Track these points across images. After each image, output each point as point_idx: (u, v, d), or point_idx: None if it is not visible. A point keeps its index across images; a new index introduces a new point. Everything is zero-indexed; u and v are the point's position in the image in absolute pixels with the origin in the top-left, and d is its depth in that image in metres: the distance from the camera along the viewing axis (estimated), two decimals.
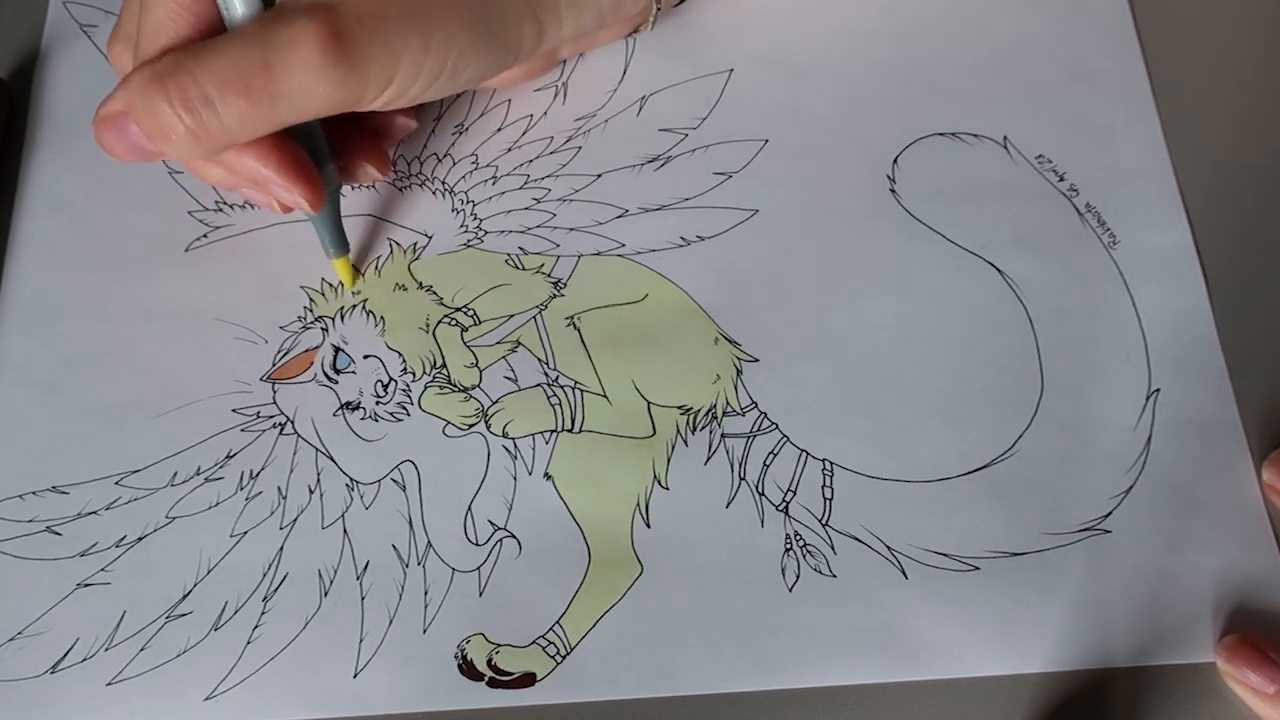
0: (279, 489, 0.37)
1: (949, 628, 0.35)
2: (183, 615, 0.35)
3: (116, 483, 0.37)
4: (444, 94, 0.36)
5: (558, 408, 0.38)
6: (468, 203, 0.41)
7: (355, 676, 0.35)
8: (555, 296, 0.40)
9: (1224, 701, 0.34)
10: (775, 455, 0.37)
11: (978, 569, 0.36)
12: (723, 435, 0.38)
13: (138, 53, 0.34)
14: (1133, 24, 0.44)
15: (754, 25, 0.44)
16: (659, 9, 0.39)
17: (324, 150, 0.36)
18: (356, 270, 0.40)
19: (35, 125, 0.43)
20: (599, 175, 0.42)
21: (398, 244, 0.41)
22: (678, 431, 0.38)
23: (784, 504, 0.36)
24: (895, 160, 0.42)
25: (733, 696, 0.34)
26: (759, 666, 0.34)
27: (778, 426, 0.38)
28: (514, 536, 0.36)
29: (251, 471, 0.37)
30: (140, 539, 0.36)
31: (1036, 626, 0.35)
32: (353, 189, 0.42)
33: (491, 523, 0.36)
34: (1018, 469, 0.37)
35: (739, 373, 0.38)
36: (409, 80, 0.34)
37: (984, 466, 0.37)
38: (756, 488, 0.37)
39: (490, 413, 0.38)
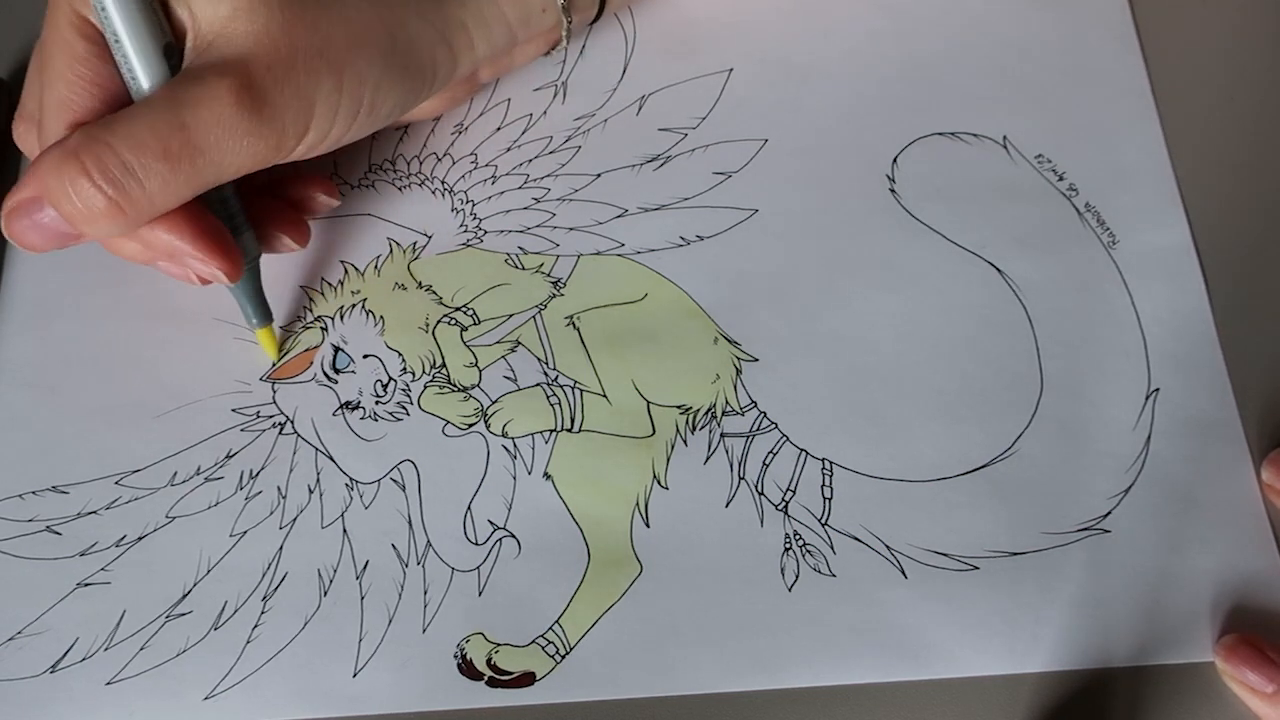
0: (279, 489, 0.37)
1: (948, 627, 0.35)
2: (182, 615, 0.35)
3: (116, 483, 0.37)
4: (366, 132, 0.36)
5: (557, 407, 0.38)
6: (467, 202, 0.41)
7: (355, 676, 0.35)
8: (555, 296, 0.40)
9: (1223, 701, 0.34)
10: (775, 455, 0.37)
11: (977, 569, 0.36)
12: (722, 435, 0.38)
13: (42, 132, 0.33)
14: (1133, 24, 0.44)
15: (754, 25, 0.44)
16: (569, 23, 0.39)
17: (240, 218, 0.36)
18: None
19: None
20: (598, 175, 0.42)
21: (397, 243, 0.41)
22: (677, 431, 0.38)
23: (783, 503, 0.36)
24: (895, 160, 0.42)
25: (732, 696, 0.34)
26: (758, 666, 0.34)
27: (777, 426, 0.38)
28: (513, 536, 0.36)
29: (251, 471, 0.37)
30: (140, 539, 0.36)
31: (1036, 626, 0.35)
32: (352, 187, 0.42)
33: (491, 522, 0.36)
34: (1017, 469, 0.37)
35: (738, 372, 0.38)
36: (326, 122, 0.33)
37: (983, 466, 0.37)
38: (756, 487, 0.37)
39: (490, 412, 0.38)
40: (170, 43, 0.32)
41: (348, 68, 0.33)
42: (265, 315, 0.38)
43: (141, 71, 0.32)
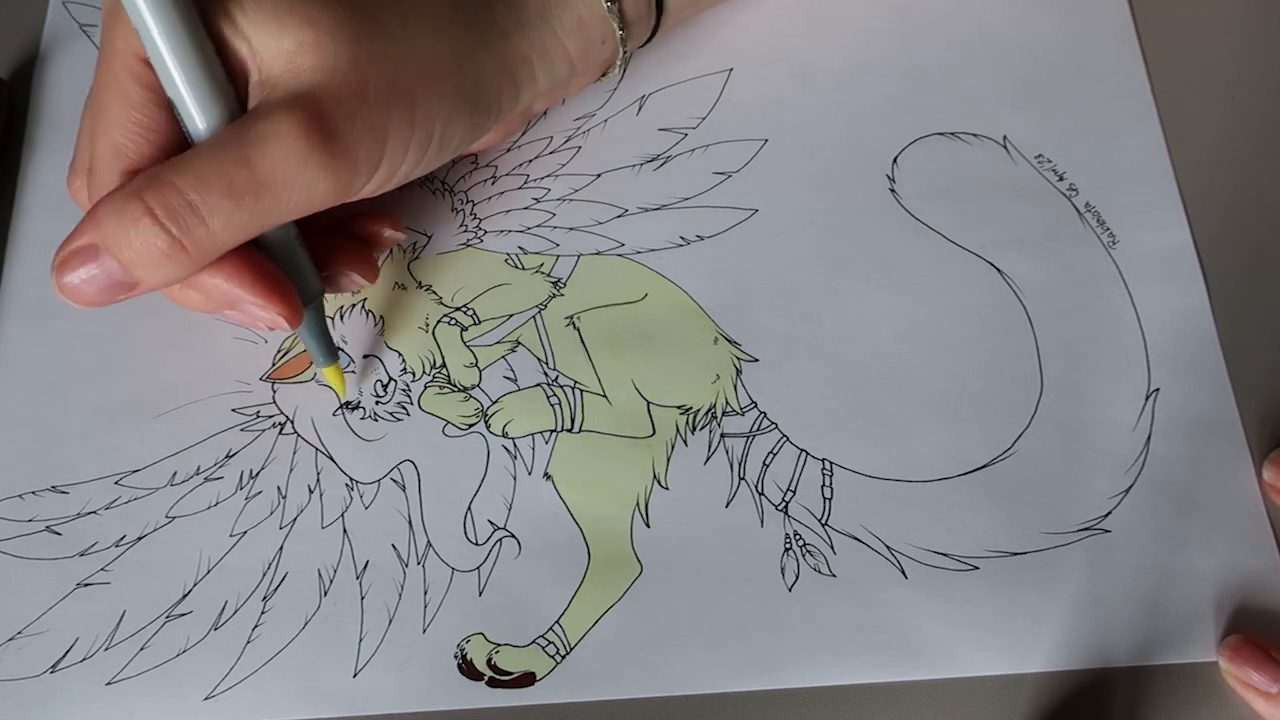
0: (279, 488, 0.37)
1: (948, 627, 0.35)
2: (182, 615, 0.35)
3: (116, 483, 0.37)
4: (433, 166, 0.35)
5: (557, 407, 0.38)
6: (467, 202, 0.41)
7: (355, 676, 0.35)
8: (555, 296, 0.40)
9: (1225, 701, 0.34)
10: (775, 455, 0.37)
11: (977, 569, 0.36)
12: (722, 435, 0.38)
13: (95, 180, 0.32)
14: (1133, 24, 0.44)
15: (754, 25, 0.44)
16: (626, 53, 0.38)
17: (305, 261, 0.35)
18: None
19: (35, 125, 0.43)
20: (598, 175, 0.42)
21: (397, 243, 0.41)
22: (677, 431, 0.38)
23: (783, 503, 0.36)
24: (895, 160, 0.42)
25: (732, 696, 0.34)
26: (758, 666, 0.34)
27: (777, 426, 0.38)
28: (514, 536, 0.36)
29: (251, 471, 0.37)
30: (140, 539, 0.36)
31: (1036, 626, 0.35)
32: None
33: (491, 522, 0.36)
34: (1017, 469, 0.37)
35: (738, 372, 0.38)
36: (398, 159, 0.33)
37: (984, 466, 0.37)
38: (756, 487, 0.37)
39: (490, 412, 0.38)
40: (228, 84, 0.31)
41: (419, 102, 0.32)
42: (331, 354, 0.37)
43: (198, 113, 0.31)
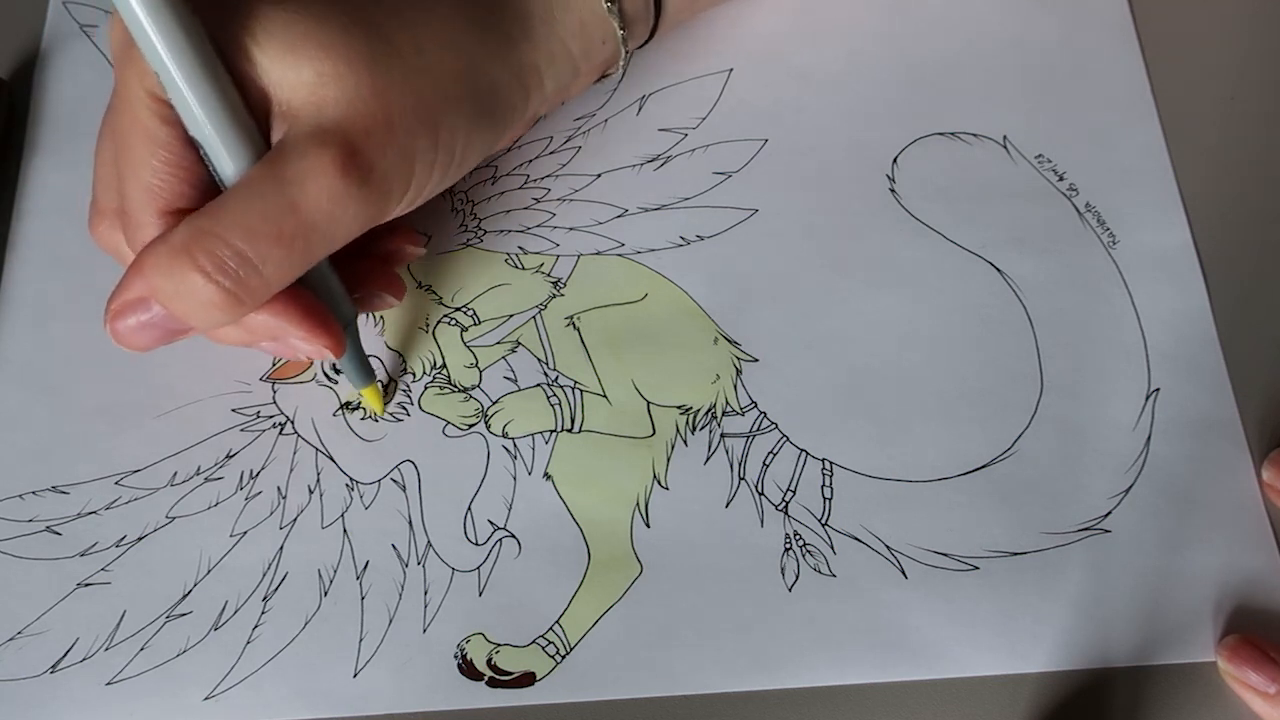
0: (279, 489, 0.37)
1: (949, 627, 0.35)
2: (183, 615, 0.35)
3: (116, 483, 0.37)
4: (454, 181, 0.35)
5: (557, 408, 0.38)
6: (467, 202, 0.41)
7: (355, 676, 0.35)
8: (555, 296, 0.40)
9: (1224, 701, 0.34)
10: (775, 455, 0.37)
11: (977, 569, 0.36)
12: (722, 435, 0.38)
13: (130, 224, 0.31)
14: (1133, 24, 0.44)
15: (754, 25, 0.44)
16: (628, 52, 0.38)
17: (338, 287, 0.35)
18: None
19: (35, 125, 0.43)
20: (598, 175, 0.42)
21: None
22: (677, 431, 0.38)
23: (783, 503, 0.36)
24: (895, 160, 0.42)
25: (732, 696, 0.34)
26: (758, 666, 0.34)
27: (777, 426, 0.38)
28: (514, 536, 0.36)
29: (251, 471, 0.37)
30: (140, 539, 0.36)
31: (1036, 626, 0.35)
32: None
33: (491, 522, 0.36)
34: (1017, 469, 0.37)
35: (738, 372, 0.38)
36: (425, 179, 0.33)
37: (984, 466, 0.37)
38: (756, 487, 0.37)
39: (490, 413, 0.38)
40: (250, 119, 0.30)
41: (441, 122, 0.32)
42: (368, 375, 0.37)
43: (228, 155, 0.30)
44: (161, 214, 0.31)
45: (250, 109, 0.30)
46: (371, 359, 0.39)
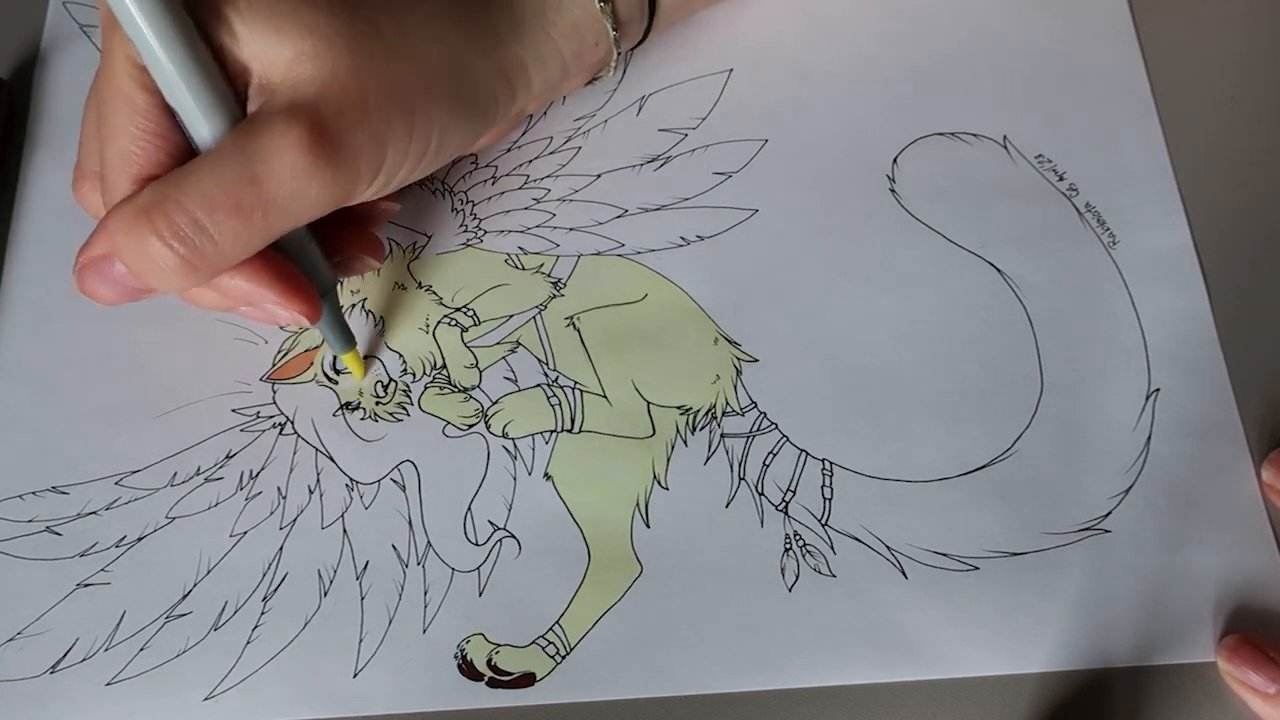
0: (279, 489, 0.37)
1: (949, 627, 0.35)
2: (182, 615, 0.35)
3: (116, 483, 0.37)
4: (430, 170, 0.35)
5: (557, 408, 0.38)
6: (467, 202, 0.41)
7: (355, 676, 0.35)
8: (555, 296, 0.40)
9: (1224, 702, 0.34)
10: (775, 455, 0.37)
11: (977, 569, 0.36)
12: (722, 435, 0.38)
13: (107, 187, 0.32)
14: (1132, 24, 0.44)
15: (754, 25, 0.44)
16: (619, 54, 0.38)
17: (316, 255, 0.35)
18: (369, 359, 0.39)
19: (35, 125, 0.43)
20: (598, 175, 0.42)
21: (397, 243, 0.41)
22: (677, 431, 0.38)
23: (783, 504, 0.36)
24: (895, 160, 0.42)
25: (732, 696, 0.34)
26: (758, 666, 0.34)
27: (777, 426, 0.38)
28: (514, 536, 0.36)
29: (251, 471, 0.37)
30: (140, 539, 0.36)
31: (1036, 626, 0.35)
32: None
33: (491, 523, 0.36)
34: (1017, 469, 0.37)
35: (738, 373, 0.38)
36: (397, 165, 0.33)
37: (984, 466, 0.37)
38: (756, 488, 0.37)
39: (490, 413, 0.38)
40: (228, 89, 0.31)
41: (419, 109, 0.32)
42: (348, 341, 0.37)
43: (201, 121, 0.31)
44: (136, 180, 0.31)
45: (230, 82, 0.31)
46: (371, 359, 0.39)
